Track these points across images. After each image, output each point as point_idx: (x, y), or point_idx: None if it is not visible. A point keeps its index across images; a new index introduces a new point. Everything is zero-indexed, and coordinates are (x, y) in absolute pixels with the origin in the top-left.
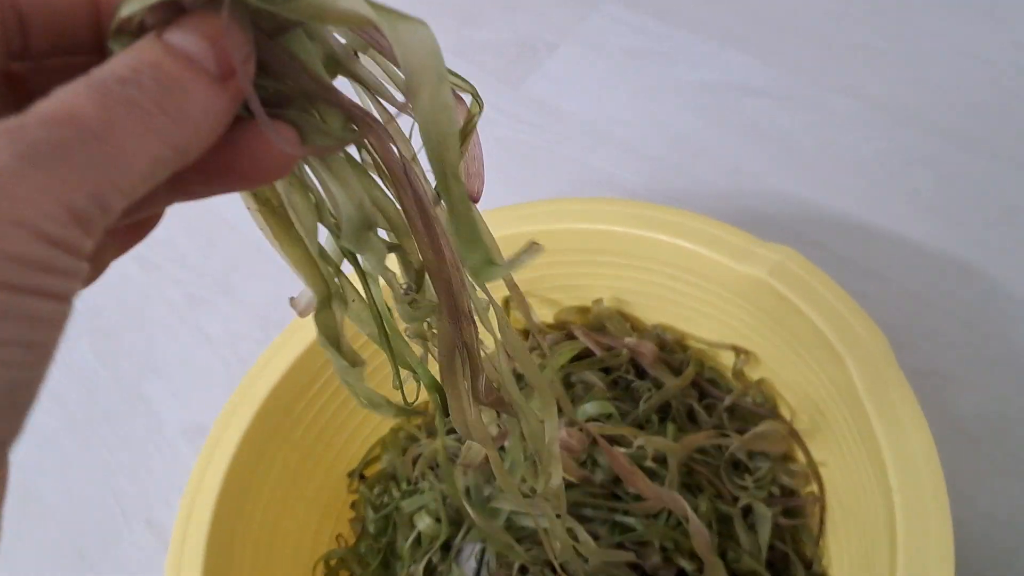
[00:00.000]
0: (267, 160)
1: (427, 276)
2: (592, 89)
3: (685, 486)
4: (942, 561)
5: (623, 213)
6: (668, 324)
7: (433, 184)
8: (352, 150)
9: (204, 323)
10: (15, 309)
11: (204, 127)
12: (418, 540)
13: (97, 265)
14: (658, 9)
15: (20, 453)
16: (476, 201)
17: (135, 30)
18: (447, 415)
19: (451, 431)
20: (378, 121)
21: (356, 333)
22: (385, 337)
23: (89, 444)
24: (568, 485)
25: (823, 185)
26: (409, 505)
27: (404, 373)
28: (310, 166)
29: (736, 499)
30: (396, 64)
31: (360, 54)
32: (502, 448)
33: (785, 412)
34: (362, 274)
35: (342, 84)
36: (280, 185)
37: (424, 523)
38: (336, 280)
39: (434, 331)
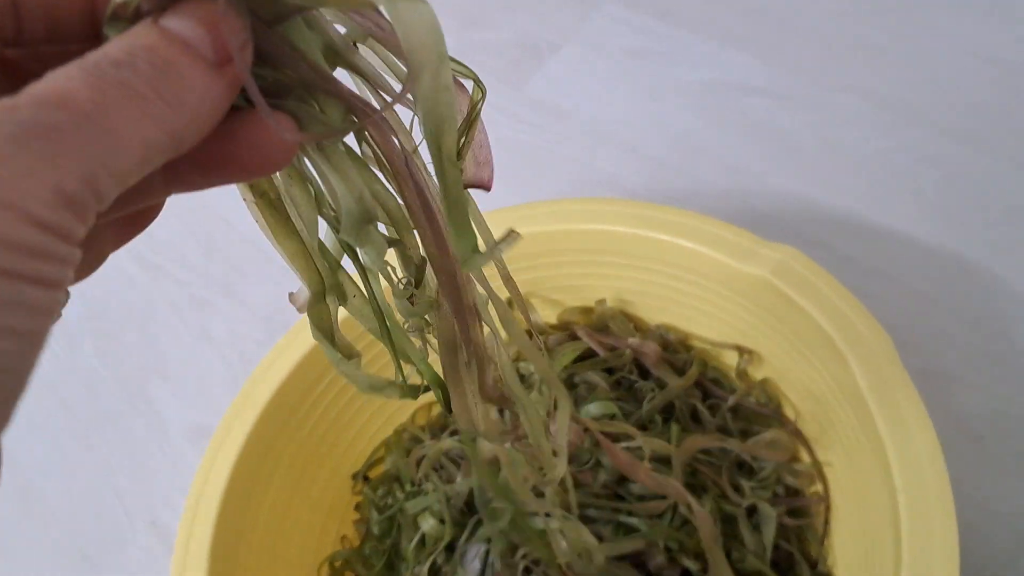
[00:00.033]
0: (266, 150)
1: (427, 272)
2: (594, 89)
3: (689, 486)
4: (947, 561)
5: (625, 213)
6: (671, 324)
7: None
8: (353, 143)
9: (207, 325)
10: (3, 295)
11: (200, 113)
12: (422, 541)
13: (95, 257)
14: (659, 9)
15: (23, 454)
16: (488, 190)
17: (131, 16)
18: (450, 411)
19: (454, 432)
20: (378, 111)
21: (354, 324)
22: (387, 332)
23: (93, 446)
24: (573, 485)
25: (825, 184)
26: (413, 506)
27: (407, 368)
28: (309, 158)
29: (741, 499)
30: (395, 50)
31: (359, 45)
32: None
33: (789, 412)
34: (362, 269)
35: (341, 76)
36: (279, 178)
37: (428, 524)
38: (333, 274)
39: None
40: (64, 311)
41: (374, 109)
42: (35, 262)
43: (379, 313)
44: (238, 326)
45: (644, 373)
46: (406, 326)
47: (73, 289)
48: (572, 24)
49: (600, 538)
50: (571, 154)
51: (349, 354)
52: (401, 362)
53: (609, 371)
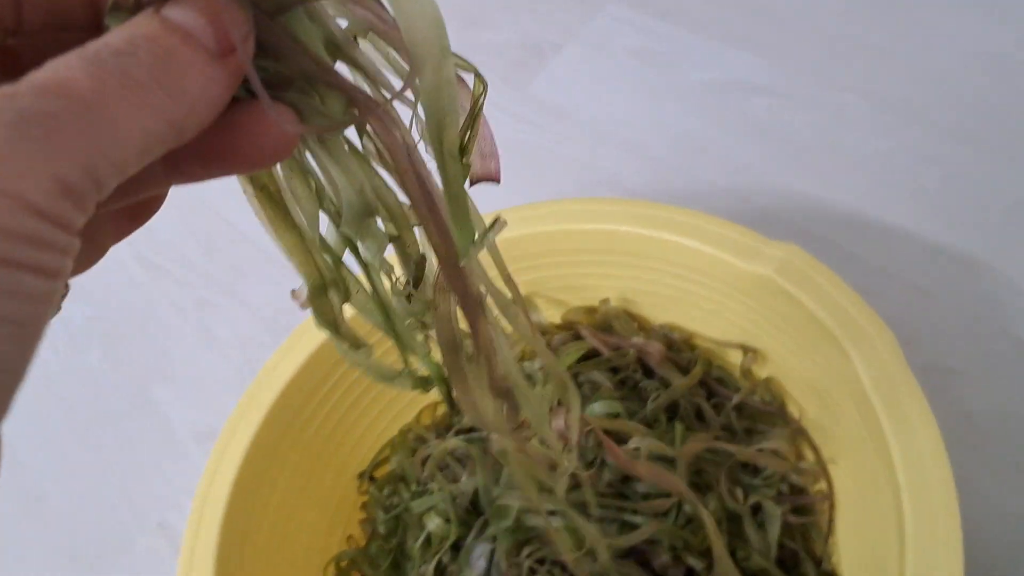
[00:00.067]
0: (266, 141)
1: (425, 272)
2: (596, 90)
3: (694, 485)
4: (951, 557)
5: (628, 213)
6: (675, 323)
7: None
8: (354, 138)
9: (212, 326)
10: (2, 283)
11: (201, 104)
12: (428, 540)
13: (95, 250)
14: (662, 9)
15: (29, 457)
16: (497, 182)
17: (132, 6)
18: (452, 406)
19: (459, 432)
20: (380, 104)
21: (363, 320)
22: (391, 327)
23: (99, 448)
24: (575, 485)
25: (829, 183)
26: (418, 506)
27: (414, 362)
28: (310, 151)
29: (745, 497)
30: (396, 45)
31: (359, 39)
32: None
33: (793, 410)
34: (363, 265)
35: (341, 71)
36: (280, 171)
37: (434, 523)
38: (335, 269)
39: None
40: (69, 314)
41: (375, 102)
42: (34, 251)
43: (383, 308)
44: (242, 327)
45: (648, 372)
46: (408, 323)
47: (78, 291)
48: (575, 24)
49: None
50: (573, 154)
51: (356, 344)
52: (407, 356)
53: (613, 370)
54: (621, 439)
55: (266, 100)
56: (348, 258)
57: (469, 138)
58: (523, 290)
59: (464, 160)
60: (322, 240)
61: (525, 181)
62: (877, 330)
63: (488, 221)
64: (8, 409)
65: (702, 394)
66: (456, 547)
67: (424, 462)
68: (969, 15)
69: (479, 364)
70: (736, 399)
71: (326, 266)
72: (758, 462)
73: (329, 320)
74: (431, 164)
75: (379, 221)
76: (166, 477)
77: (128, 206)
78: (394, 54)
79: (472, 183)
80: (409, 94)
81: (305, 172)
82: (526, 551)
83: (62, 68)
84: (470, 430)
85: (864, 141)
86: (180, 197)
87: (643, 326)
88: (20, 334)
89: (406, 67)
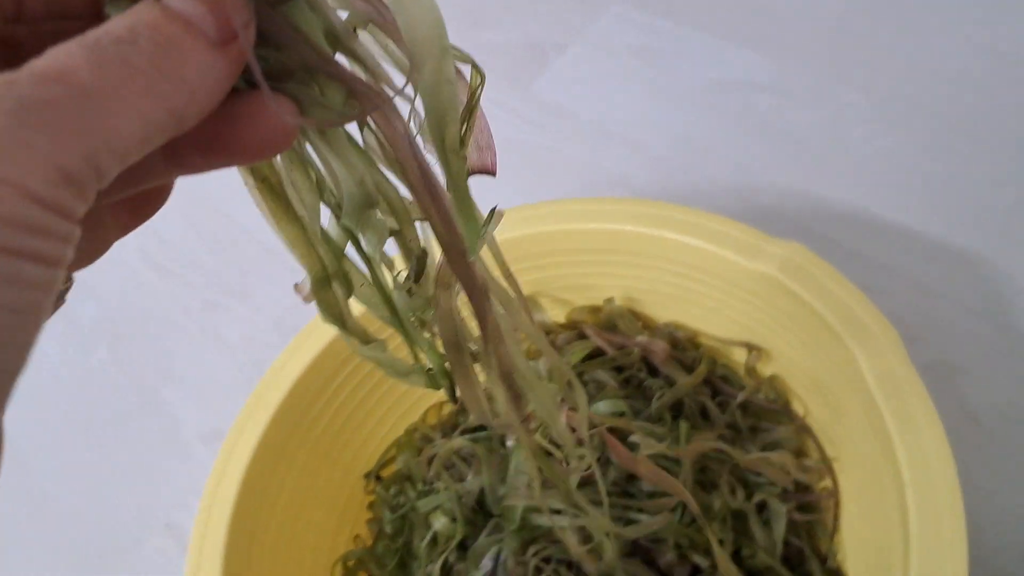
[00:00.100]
0: (266, 132)
1: (427, 267)
2: (600, 89)
3: (699, 483)
4: (956, 555)
5: (633, 212)
6: (679, 322)
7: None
8: (354, 132)
9: (220, 328)
10: (2, 272)
11: (202, 92)
12: (434, 540)
13: (99, 243)
14: (665, 8)
15: (38, 457)
16: (493, 174)
17: None
18: (455, 400)
19: (465, 431)
20: (380, 94)
21: (372, 317)
22: (398, 320)
23: (107, 449)
24: (585, 482)
25: (832, 180)
26: (425, 505)
27: (422, 357)
28: (310, 143)
29: (750, 495)
30: (395, 37)
31: (358, 31)
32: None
33: (798, 407)
34: (366, 258)
35: (340, 63)
36: (281, 162)
37: (440, 523)
38: (337, 261)
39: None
40: (77, 315)
41: (376, 94)
42: (34, 239)
43: (388, 302)
44: (249, 329)
45: (653, 371)
46: (412, 318)
47: (86, 292)
48: (578, 24)
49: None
50: (577, 154)
51: (365, 339)
52: (415, 351)
53: (618, 369)
54: (626, 438)
55: (266, 90)
56: (351, 253)
57: (466, 131)
58: (527, 290)
59: (461, 152)
60: (324, 232)
61: (528, 181)
62: (881, 327)
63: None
64: (8, 397)
65: (707, 392)
66: (462, 546)
67: (430, 461)
68: (971, 12)
69: (488, 354)
70: (741, 397)
71: (329, 258)
72: (761, 470)
73: (335, 314)
74: (431, 160)
75: (380, 214)
76: (174, 477)
77: (131, 199)
78: (392, 46)
79: (468, 175)
80: (408, 90)
81: (306, 164)
82: (532, 550)
83: (62, 56)
84: (476, 429)
85: (866, 138)
86: (187, 199)
87: (647, 325)
88: (20, 322)
89: (405, 60)
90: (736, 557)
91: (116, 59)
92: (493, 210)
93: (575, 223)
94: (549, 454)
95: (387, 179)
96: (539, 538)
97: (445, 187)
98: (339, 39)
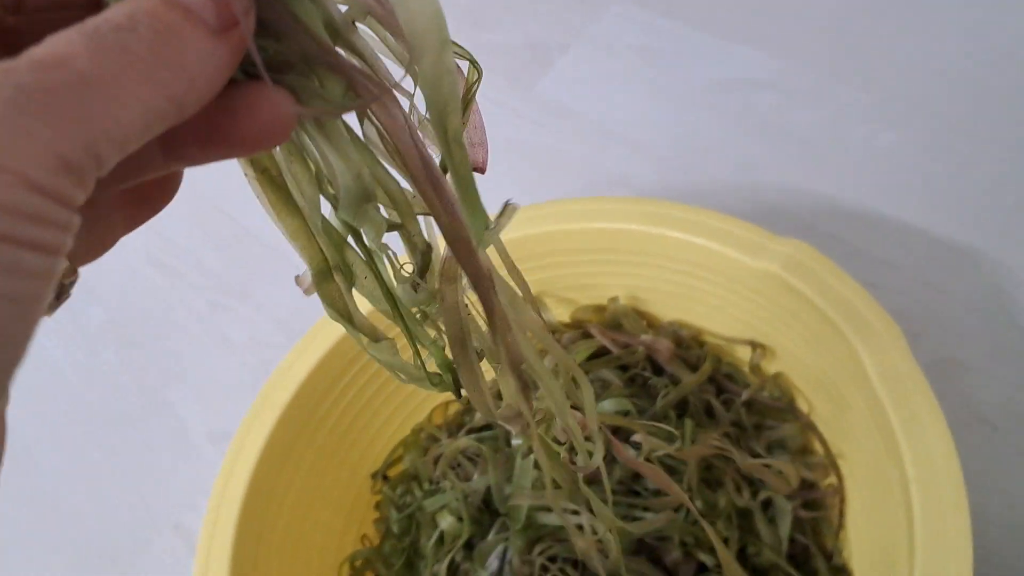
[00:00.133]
0: (265, 123)
1: (432, 260)
2: (603, 89)
3: (704, 481)
4: (961, 550)
5: (636, 211)
6: (684, 320)
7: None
8: (355, 125)
9: (227, 329)
10: (1, 260)
11: (201, 79)
12: (441, 539)
13: (105, 238)
14: (667, 7)
15: (46, 459)
16: (483, 172)
17: None
18: (459, 396)
19: (471, 431)
20: (380, 85)
21: (380, 316)
22: (399, 314)
23: (115, 450)
24: (586, 481)
25: (835, 178)
26: (431, 505)
27: (425, 355)
28: (308, 135)
29: (756, 493)
30: (395, 31)
31: (357, 24)
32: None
33: (802, 405)
34: (367, 251)
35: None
36: (280, 154)
37: (446, 522)
38: (338, 253)
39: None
40: (84, 317)
41: (376, 84)
42: (33, 227)
43: (390, 295)
44: (256, 330)
45: (657, 370)
46: (415, 313)
47: (93, 296)
48: (580, 24)
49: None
50: (580, 153)
51: (375, 336)
52: (418, 347)
53: (623, 368)
54: (629, 437)
55: (266, 77)
56: (352, 248)
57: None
58: (531, 289)
59: (464, 142)
60: (325, 223)
61: (530, 181)
62: (884, 325)
63: (491, 220)
64: (8, 387)
65: (711, 390)
66: (469, 545)
67: (436, 461)
68: (977, 7)
69: (497, 344)
70: (745, 395)
71: (330, 251)
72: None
73: (340, 309)
74: (432, 152)
75: (382, 209)
76: (181, 478)
77: (136, 192)
78: (392, 40)
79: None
80: (408, 84)
81: (305, 155)
82: (538, 549)
83: (61, 43)
84: (481, 429)
85: (869, 136)
86: (194, 201)
87: (652, 323)
88: (20, 311)
89: (404, 54)
90: (742, 555)
91: (115, 46)
92: (507, 204)
93: (578, 223)
94: (558, 445)
95: (388, 172)
96: (545, 537)
97: (448, 178)
98: (338, 31)
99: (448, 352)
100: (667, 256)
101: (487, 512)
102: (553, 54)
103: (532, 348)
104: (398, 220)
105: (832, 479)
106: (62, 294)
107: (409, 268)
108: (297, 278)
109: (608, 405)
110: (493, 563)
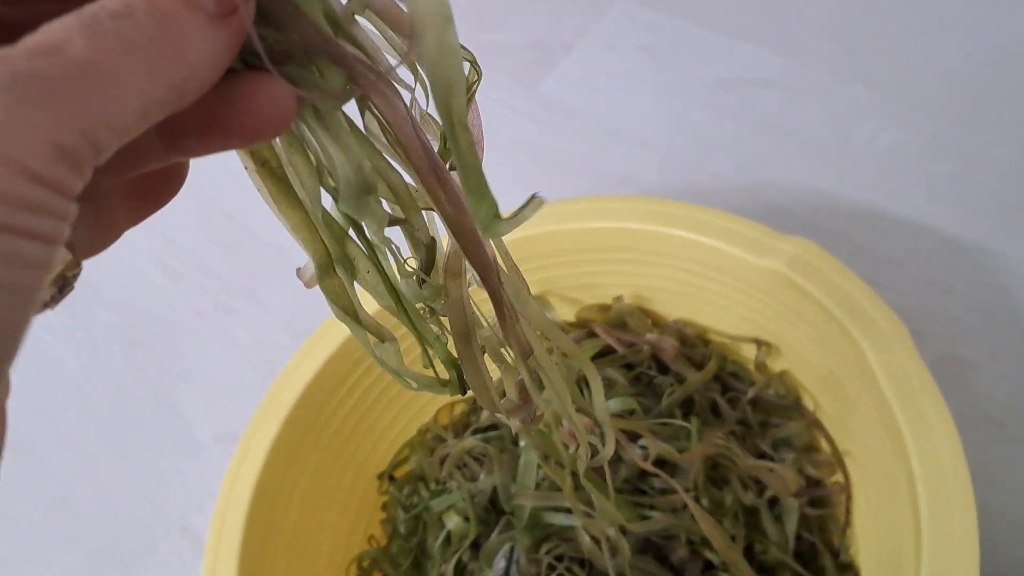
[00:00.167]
0: (264, 113)
1: (436, 255)
2: (607, 88)
3: (710, 479)
4: (968, 548)
5: (641, 210)
6: (689, 319)
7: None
8: (356, 118)
9: (232, 331)
10: None
11: (200, 66)
12: (448, 539)
13: (110, 231)
14: (671, 6)
15: (54, 461)
16: None
17: None
18: (463, 392)
19: (476, 431)
20: (381, 75)
21: (387, 316)
22: (403, 309)
23: (122, 452)
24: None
25: (839, 176)
26: (438, 505)
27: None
28: (308, 127)
29: (763, 491)
30: (394, 24)
31: (357, 18)
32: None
33: (808, 403)
34: (369, 245)
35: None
36: (280, 146)
37: (453, 522)
38: (340, 246)
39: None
40: (91, 318)
41: (377, 72)
42: (30, 216)
43: (393, 290)
44: (262, 331)
45: (663, 368)
46: (420, 307)
47: (99, 298)
48: (585, 24)
49: (623, 532)
50: (585, 153)
51: (380, 335)
52: (422, 343)
53: (628, 367)
54: (634, 437)
55: (268, 64)
56: (354, 242)
57: None
58: (536, 289)
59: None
60: (326, 215)
61: (535, 180)
62: (889, 323)
63: (507, 212)
64: (6, 379)
65: (717, 389)
66: (476, 545)
67: (442, 461)
68: (975, 8)
69: (507, 334)
70: (751, 393)
71: (332, 244)
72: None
73: (344, 305)
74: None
75: (384, 203)
76: (188, 480)
77: (139, 184)
78: (392, 33)
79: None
80: (409, 79)
81: (305, 146)
82: (545, 548)
83: (58, 30)
84: (487, 429)
85: (874, 133)
86: (198, 204)
87: (657, 322)
88: (16, 300)
89: (404, 47)
90: (748, 553)
91: (113, 33)
92: (534, 196)
93: (583, 222)
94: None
95: (390, 164)
96: (552, 536)
97: (450, 167)
98: (338, 23)
99: (452, 348)
100: (672, 255)
101: (494, 512)
102: (556, 54)
103: (539, 340)
104: (401, 215)
105: (839, 477)
106: (65, 287)
107: (413, 264)
108: (298, 270)
109: (614, 404)
110: (500, 562)
